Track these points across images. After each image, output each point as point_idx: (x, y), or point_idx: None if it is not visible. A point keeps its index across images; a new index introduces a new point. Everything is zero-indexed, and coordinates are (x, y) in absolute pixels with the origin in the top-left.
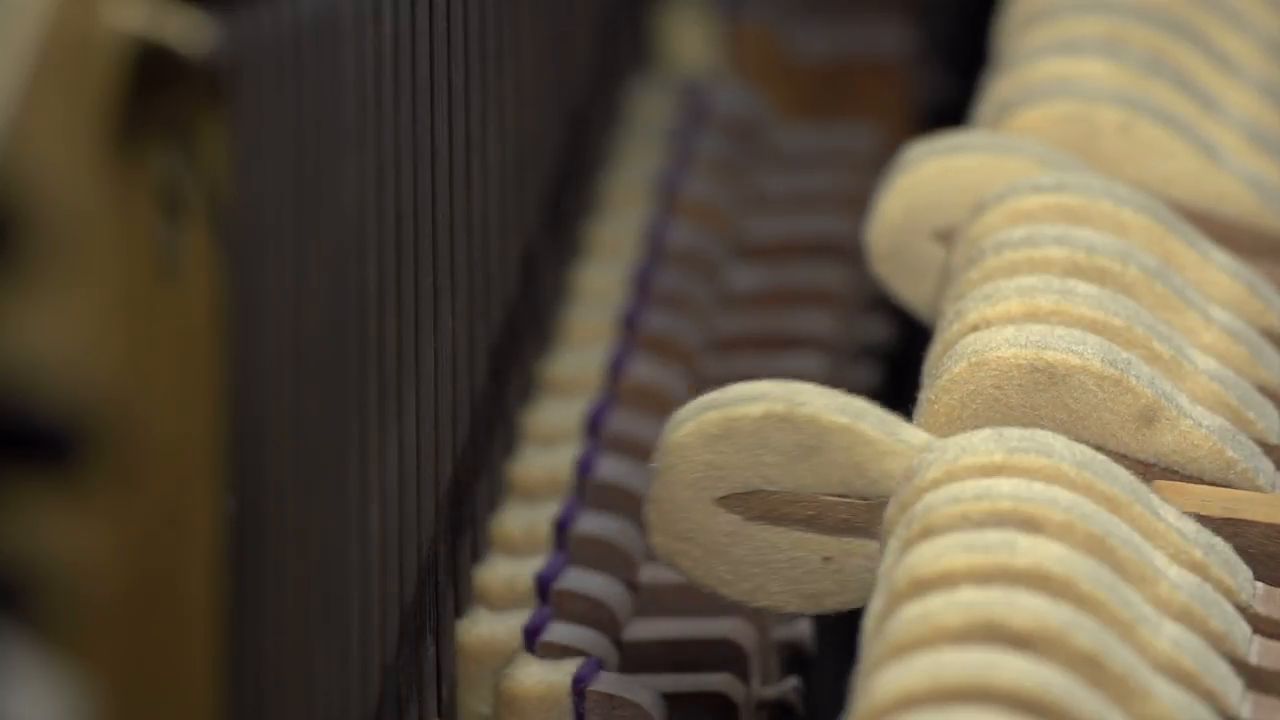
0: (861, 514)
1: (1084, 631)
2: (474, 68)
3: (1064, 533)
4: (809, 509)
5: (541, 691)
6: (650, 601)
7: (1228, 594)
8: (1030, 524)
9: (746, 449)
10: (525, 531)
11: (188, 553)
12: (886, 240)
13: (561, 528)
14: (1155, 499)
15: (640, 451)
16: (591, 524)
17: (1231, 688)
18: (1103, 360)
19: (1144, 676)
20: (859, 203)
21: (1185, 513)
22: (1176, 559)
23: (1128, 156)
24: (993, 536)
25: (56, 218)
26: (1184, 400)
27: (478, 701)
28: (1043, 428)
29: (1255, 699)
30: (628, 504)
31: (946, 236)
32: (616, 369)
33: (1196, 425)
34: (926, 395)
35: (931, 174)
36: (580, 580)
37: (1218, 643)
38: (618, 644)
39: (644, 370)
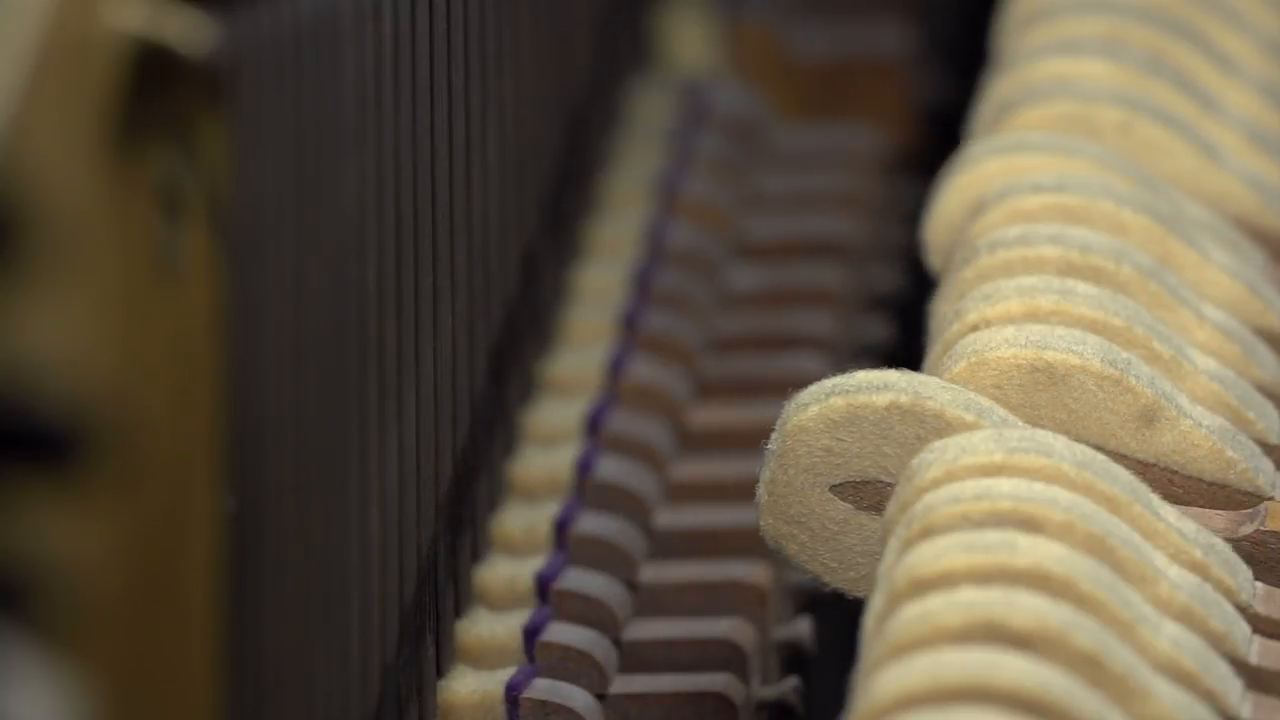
0: None
1: (1084, 631)
2: (474, 68)
3: (1064, 533)
4: None
5: (476, 700)
6: (650, 601)
7: (1228, 594)
8: (1030, 524)
9: (868, 438)
10: (525, 531)
11: (188, 553)
12: (944, 237)
13: (561, 528)
14: (1155, 499)
15: (640, 451)
16: (591, 524)
17: (1231, 688)
18: (1103, 360)
19: (1144, 676)
20: (859, 203)
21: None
22: (1176, 559)
23: (1128, 156)
24: (993, 536)
25: (56, 218)
26: (1184, 400)
27: None
28: (1043, 428)
29: (1255, 699)
30: (628, 504)
31: None
32: (616, 369)
33: (1196, 425)
34: None
35: (991, 172)
36: (580, 580)
37: (1218, 643)
38: (618, 644)
39: (644, 370)
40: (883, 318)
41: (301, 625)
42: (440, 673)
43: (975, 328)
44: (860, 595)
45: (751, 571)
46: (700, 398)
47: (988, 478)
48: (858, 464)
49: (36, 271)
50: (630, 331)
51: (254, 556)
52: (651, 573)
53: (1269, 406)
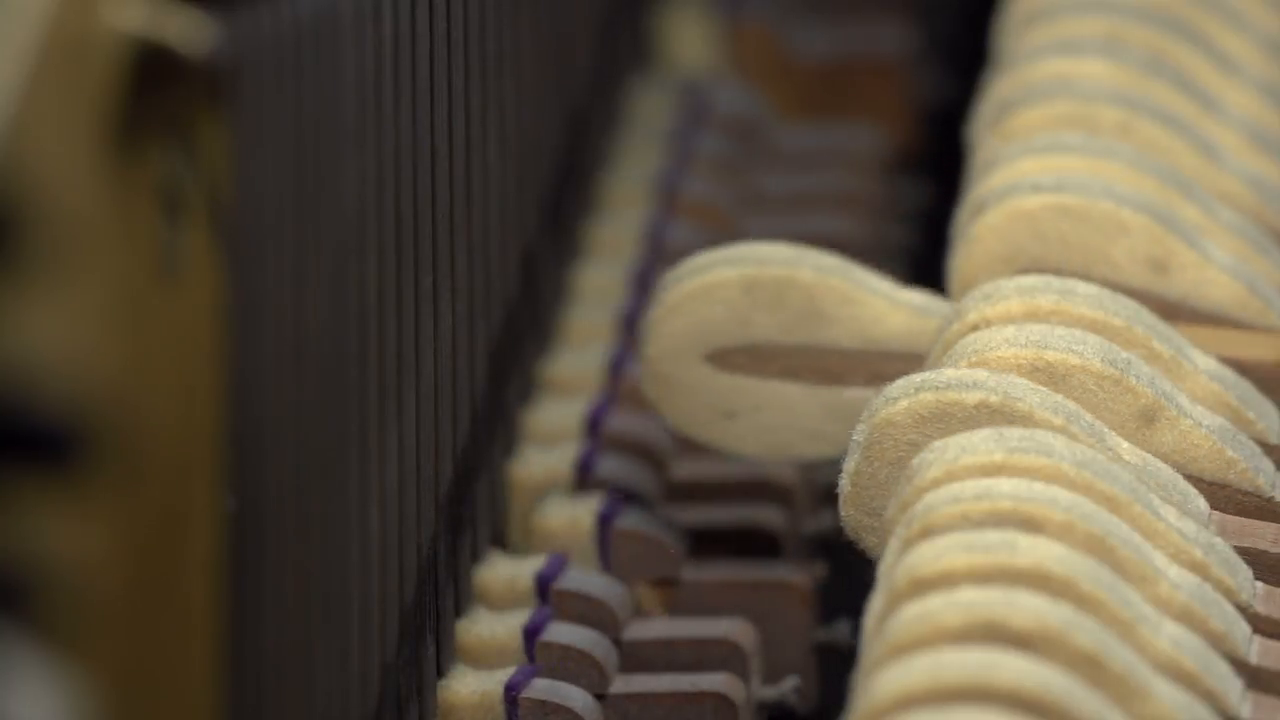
0: None
1: (1084, 631)
2: (474, 68)
3: (1064, 532)
4: None
5: (476, 700)
6: None
7: (1228, 594)
8: (1030, 524)
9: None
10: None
11: (188, 553)
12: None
13: None
14: (1155, 499)
15: (640, 451)
16: None
17: (1231, 688)
18: (1103, 360)
19: (1144, 676)
20: (859, 203)
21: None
22: (1176, 558)
23: None
24: (993, 536)
25: (56, 217)
26: (1184, 400)
27: None
28: None
29: (1255, 699)
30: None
31: None
32: (616, 369)
33: (1196, 425)
34: None
35: (1027, 172)
36: (580, 580)
37: (1218, 642)
38: (618, 644)
39: None
40: None
41: (301, 625)
42: (440, 673)
43: (975, 327)
44: None
45: (751, 571)
46: None
47: (988, 477)
48: None
49: (37, 271)
50: (630, 331)
51: (254, 556)
52: None
53: (1269, 406)
